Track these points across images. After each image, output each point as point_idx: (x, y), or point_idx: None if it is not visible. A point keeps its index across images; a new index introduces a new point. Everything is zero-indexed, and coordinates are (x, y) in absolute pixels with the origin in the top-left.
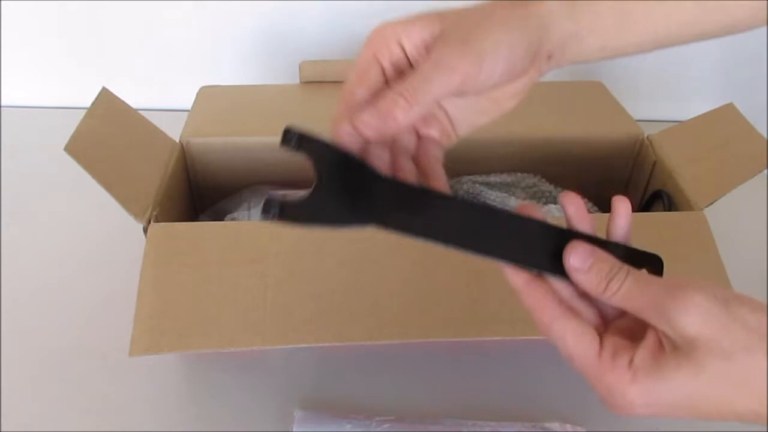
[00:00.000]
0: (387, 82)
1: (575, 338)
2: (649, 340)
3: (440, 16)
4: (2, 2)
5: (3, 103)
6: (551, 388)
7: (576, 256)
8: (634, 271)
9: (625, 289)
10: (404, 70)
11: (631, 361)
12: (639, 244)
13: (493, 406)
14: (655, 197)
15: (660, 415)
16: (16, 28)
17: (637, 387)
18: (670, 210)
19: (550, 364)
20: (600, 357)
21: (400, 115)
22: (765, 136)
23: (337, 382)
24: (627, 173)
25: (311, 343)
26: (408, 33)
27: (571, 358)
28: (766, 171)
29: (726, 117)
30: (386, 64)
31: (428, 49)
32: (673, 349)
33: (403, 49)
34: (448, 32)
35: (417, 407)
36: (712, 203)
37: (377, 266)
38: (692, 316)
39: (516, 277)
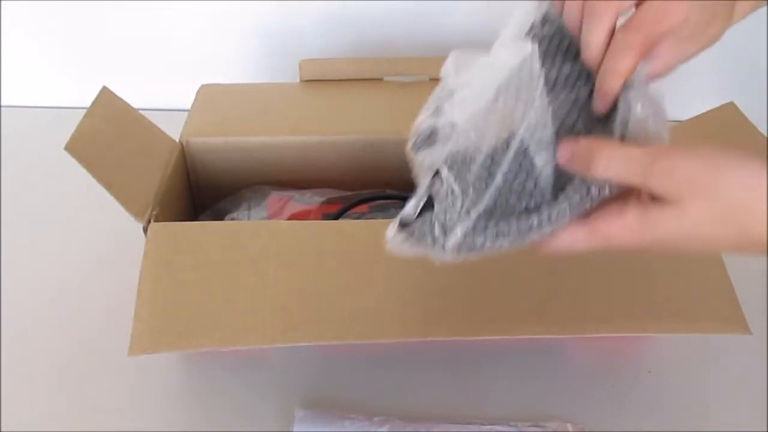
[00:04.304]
0: None
1: None
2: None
3: None
4: (2, 2)
5: (3, 103)
6: (551, 388)
7: (562, 148)
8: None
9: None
10: None
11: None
12: None
13: (493, 406)
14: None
15: (647, 252)
16: (16, 28)
17: (625, 223)
18: None
19: (550, 364)
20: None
21: None
22: (765, 135)
23: (338, 381)
24: None
25: (311, 341)
26: None
27: None
28: None
29: (726, 116)
30: None
31: None
32: (656, 198)
33: None
34: None
35: (417, 407)
36: None
37: (377, 266)
38: (678, 173)
39: None
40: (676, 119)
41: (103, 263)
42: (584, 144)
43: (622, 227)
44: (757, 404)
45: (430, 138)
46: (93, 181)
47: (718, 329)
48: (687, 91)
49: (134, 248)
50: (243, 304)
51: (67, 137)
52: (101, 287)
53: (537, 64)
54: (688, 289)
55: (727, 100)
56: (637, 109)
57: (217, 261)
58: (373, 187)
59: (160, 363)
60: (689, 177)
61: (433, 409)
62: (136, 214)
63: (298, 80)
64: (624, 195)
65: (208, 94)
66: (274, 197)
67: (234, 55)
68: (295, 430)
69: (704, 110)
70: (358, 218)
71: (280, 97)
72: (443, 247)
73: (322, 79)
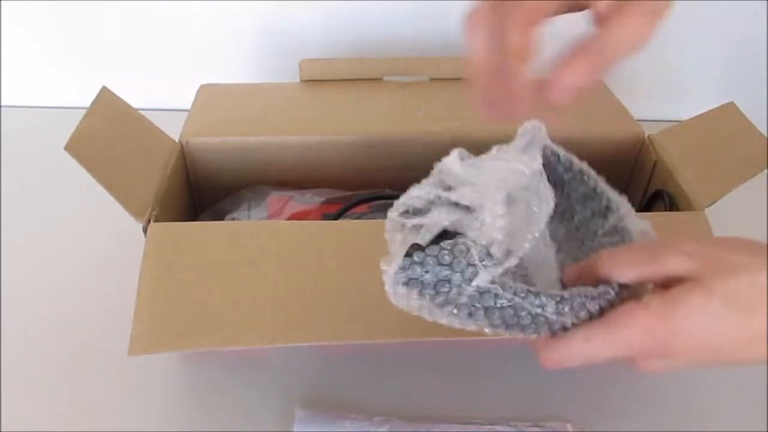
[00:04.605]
0: None
1: None
2: (654, 291)
3: None
4: (2, 2)
5: (3, 103)
6: (551, 388)
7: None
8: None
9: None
10: None
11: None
12: None
13: (494, 406)
14: (655, 197)
15: (673, 350)
16: (16, 28)
17: (649, 312)
18: (671, 210)
19: None
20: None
21: None
22: (765, 135)
23: (338, 381)
24: (627, 173)
25: (311, 341)
26: None
27: None
28: (766, 171)
29: (727, 116)
30: None
31: None
32: (680, 283)
33: None
34: None
35: (417, 407)
36: (712, 203)
37: (377, 266)
38: (687, 249)
39: None
40: (676, 119)
41: (103, 263)
42: (584, 261)
43: (647, 318)
44: (757, 404)
45: (422, 210)
46: (93, 181)
47: None
48: (687, 91)
49: (134, 248)
50: (243, 304)
51: (67, 137)
52: (101, 287)
53: (550, 193)
54: None
55: (727, 100)
56: (632, 225)
57: (217, 261)
58: (373, 187)
59: (160, 363)
60: (700, 249)
61: (433, 409)
62: (136, 214)
63: (298, 80)
64: (636, 297)
65: (208, 94)
66: (274, 197)
67: (234, 55)
68: (295, 430)
69: (704, 110)
70: (358, 218)
71: (280, 97)
72: (475, 273)
73: (322, 79)
